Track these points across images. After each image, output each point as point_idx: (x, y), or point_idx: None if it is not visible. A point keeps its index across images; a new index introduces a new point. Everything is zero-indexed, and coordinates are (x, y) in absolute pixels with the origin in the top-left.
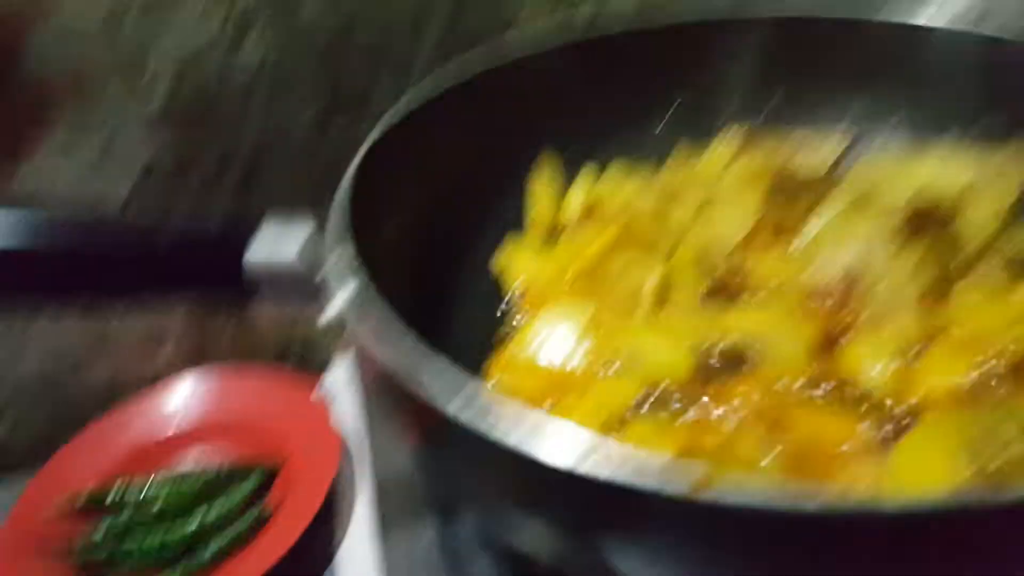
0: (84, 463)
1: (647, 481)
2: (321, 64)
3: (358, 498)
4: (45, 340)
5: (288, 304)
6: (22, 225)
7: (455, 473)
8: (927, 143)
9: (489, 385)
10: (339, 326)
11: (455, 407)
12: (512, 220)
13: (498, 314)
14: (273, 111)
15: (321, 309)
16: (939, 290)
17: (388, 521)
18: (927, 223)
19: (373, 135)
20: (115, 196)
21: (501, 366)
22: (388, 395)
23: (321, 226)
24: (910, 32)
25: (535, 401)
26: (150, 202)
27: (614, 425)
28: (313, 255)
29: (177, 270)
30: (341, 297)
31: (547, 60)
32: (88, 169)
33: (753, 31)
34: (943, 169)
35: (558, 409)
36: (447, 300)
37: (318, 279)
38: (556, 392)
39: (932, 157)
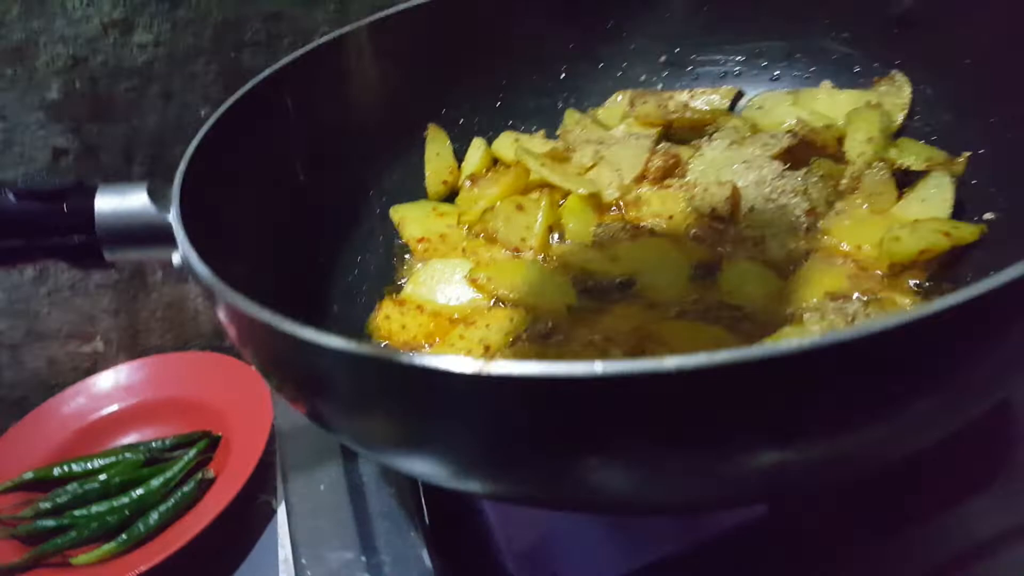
0: (27, 447)
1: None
2: (216, 44)
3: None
4: None
5: (138, 251)
6: None
7: (325, 415)
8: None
9: (376, 325)
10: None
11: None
12: (402, 187)
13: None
14: (173, 95)
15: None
16: (822, 211)
17: (292, 469)
18: (808, 151)
19: (222, 108)
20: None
21: (390, 308)
22: (245, 346)
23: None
24: None
25: (424, 337)
26: None
27: (498, 352)
28: (160, 206)
29: (28, 224)
30: (180, 252)
31: (427, 14)
32: None
33: None
34: (821, 103)
35: (447, 341)
36: (337, 259)
37: (164, 227)
38: (441, 331)
39: (818, 93)
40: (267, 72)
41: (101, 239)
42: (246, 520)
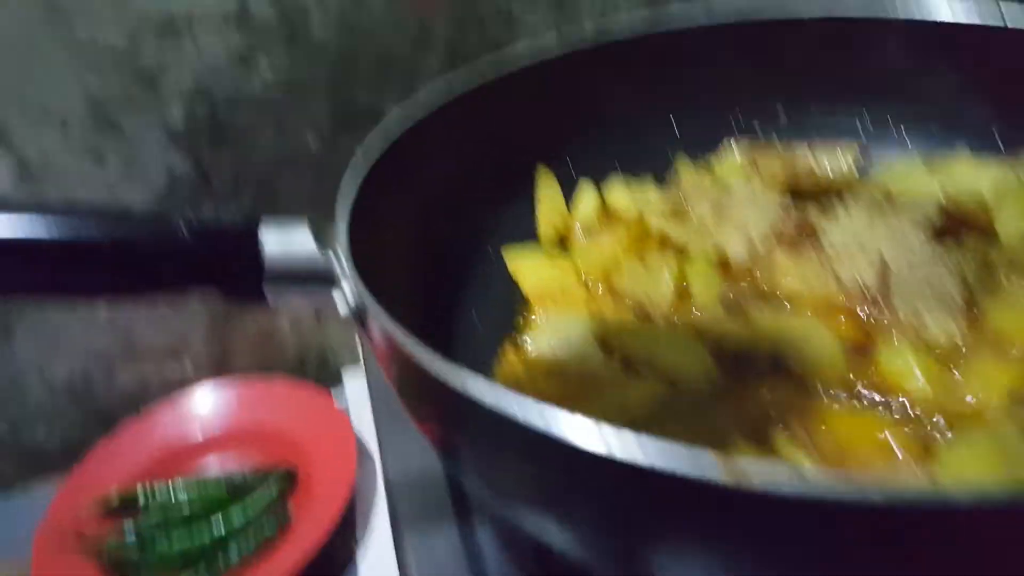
0: (114, 465)
1: (685, 466)
2: (331, 80)
3: (376, 502)
4: (74, 346)
5: (305, 296)
6: (51, 221)
7: (478, 465)
8: (939, 152)
9: (503, 381)
10: (355, 320)
11: (478, 390)
12: (517, 230)
13: (509, 319)
14: (286, 127)
15: (336, 302)
16: (979, 293)
17: (404, 524)
18: (957, 226)
19: (371, 140)
20: (140, 204)
21: (513, 366)
22: (407, 387)
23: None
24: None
25: (555, 398)
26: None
27: (635, 425)
28: (325, 250)
29: (198, 261)
30: (349, 297)
31: (547, 69)
32: (115, 178)
33: (757, 37)
34: (962, 172)
35: (580, 406)
36: (455, 302)
37: (331, 273)
38: (573, 393)
39: (955, 161)
40: (402, 127)
41: (266, 277)
42: (324, 562)
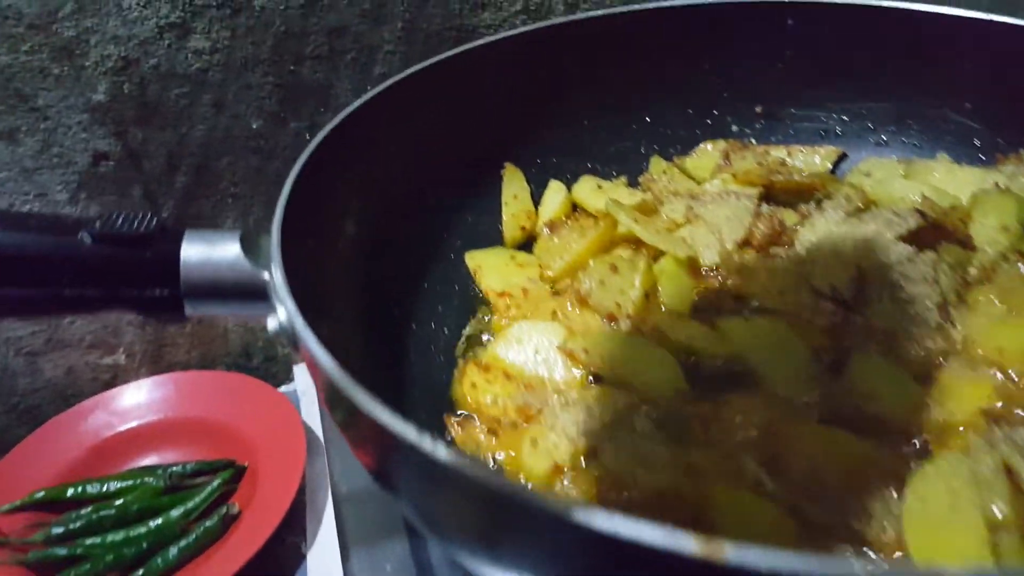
0: (41, 460)
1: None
2: (277, 52)
3: (328, 496)
4: None
5: (225, 308)
6: None
7: (411, 504)
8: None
9: (462, 393)
10: (285, 338)
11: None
12: (480, 234)
13: (469, 322)
14: (225, 103)
15: (262, 315)
16: (952, 303)
17: (352, 539)
18: (933, 234)
19: (312, 144)
20: (60, 188)
21: (475, 374)
22: (341, 421)
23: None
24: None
25: (517, 412)
26: (96, 198)
27: (604, 439)
28: (253, 260)
29: (109, 268)
30: (280, 315)
31: (512, 47)
32: (30, 159)
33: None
34: (939, 178)
35: (540, 419)
36: (412, 310)
37: (258, 284)
38: (533, 401)
39: (934, 166)
40: (349, 109)
41: (185, 293)
42: (272, 563)
